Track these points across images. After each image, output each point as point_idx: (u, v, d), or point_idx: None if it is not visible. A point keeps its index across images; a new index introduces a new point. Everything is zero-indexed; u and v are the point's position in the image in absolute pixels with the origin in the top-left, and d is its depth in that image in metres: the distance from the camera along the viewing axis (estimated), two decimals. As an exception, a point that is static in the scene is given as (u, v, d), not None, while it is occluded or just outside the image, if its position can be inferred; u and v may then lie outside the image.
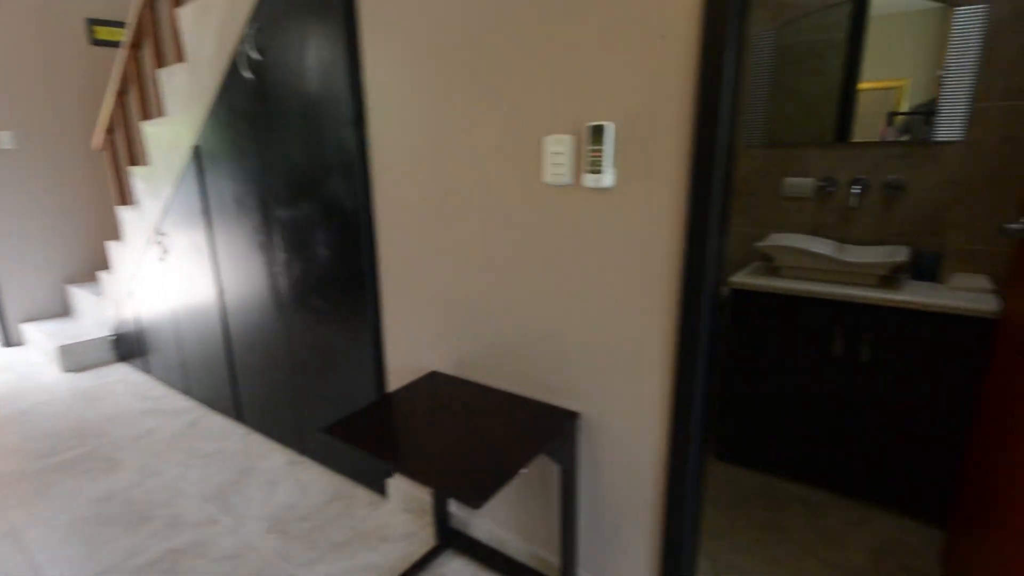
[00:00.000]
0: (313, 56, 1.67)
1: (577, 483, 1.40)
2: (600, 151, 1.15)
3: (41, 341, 3.44)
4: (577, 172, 1.22)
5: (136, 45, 2.67)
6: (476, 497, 1.01)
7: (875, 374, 1.75)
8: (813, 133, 2.01)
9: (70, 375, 3.23)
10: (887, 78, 1.83)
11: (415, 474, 1.09)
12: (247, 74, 1.89)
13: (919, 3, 1.75)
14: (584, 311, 1.29)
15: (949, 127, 1.78)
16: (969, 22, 1.70)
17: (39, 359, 3.47)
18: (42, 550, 1.76)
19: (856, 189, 1.91)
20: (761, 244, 1.94)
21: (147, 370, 3.18)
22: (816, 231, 2.10)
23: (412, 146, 1.51)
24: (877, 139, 1.91)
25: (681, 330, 1.15)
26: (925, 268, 1.85)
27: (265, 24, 1.78)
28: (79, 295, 3.67)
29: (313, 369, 2.06)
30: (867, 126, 1.91)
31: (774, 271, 2.00)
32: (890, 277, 1.87)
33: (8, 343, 3.70)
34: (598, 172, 1.16)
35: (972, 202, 1.73)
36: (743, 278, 1.94)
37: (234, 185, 2.12)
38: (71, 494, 2.06)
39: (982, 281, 1.71)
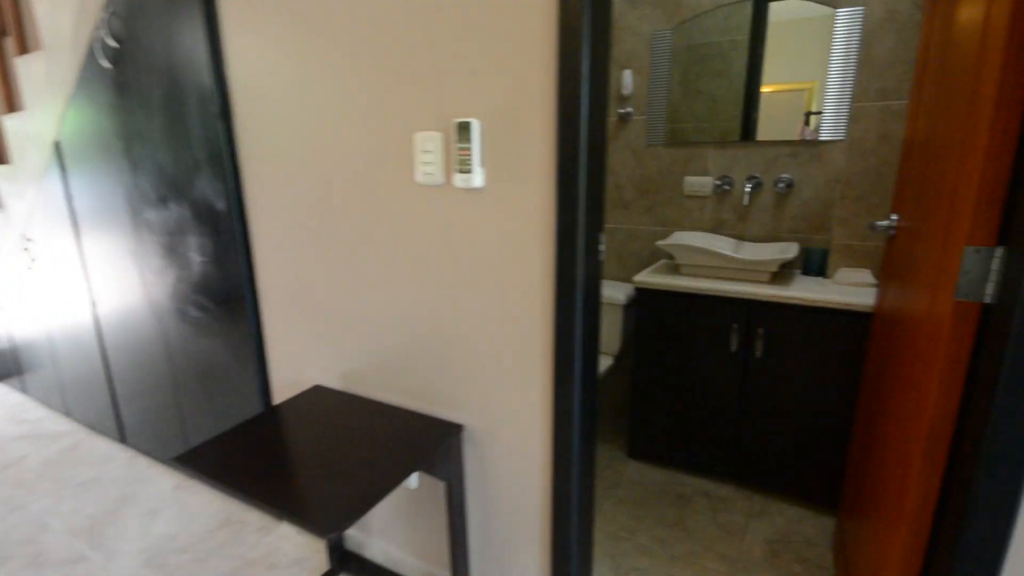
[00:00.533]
0: (173, 43, 1.51)
1: (465, 498, 1.34)
2: (469, 149, 1.09)
3: None
4: (448, 172, 1.15)
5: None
6: (328, 528, 0.92)
7: (769, 369, 1.78)
8: (717, 133, 2.03)
9: (-70, 400, 2.87)
10: (793, 80, 1.87)
11: (263, 503, 0.99)
12: (105, 63, 1.71)
13: (815, 8, 1.79)
14: (464, 318, 1.23)
15: (833, 127, 1.84)
16: (848, 25, 1.76)
17: None
18: None
19: (748, 187, 1.94)
20: (662, 243, 1.94)
21: (24, 390, 2.87)
22: (716, 229, 2.13)
23: (283, 143, 1.39)
24: (779, 139, 1.95)
25: (557, 334, 1.10)
26: (814, 263, 1.91)
27: (120, 8, 1.60)
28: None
29: (196, 385, 1.90)
30: (779, 127, 1.94)
31: (676, 269, 2.01)
32: (780, 273, 1.91)
33: None
34: (468, 172, 1.10)
35: (854, 199, 1.80)
36: (646, 277, 1.93)
37: (100, 185, 1.91)
38: (-91, 540, 1.80)
39: (865, 275, 1.77)
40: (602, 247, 1.12)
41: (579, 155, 0.98)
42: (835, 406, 1.71)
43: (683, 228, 2.19)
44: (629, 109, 2.18)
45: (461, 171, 1.11)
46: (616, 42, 2.15)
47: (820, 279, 1.87)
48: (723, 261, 1.85)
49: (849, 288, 1.74)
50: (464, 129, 1.08)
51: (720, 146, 2.06)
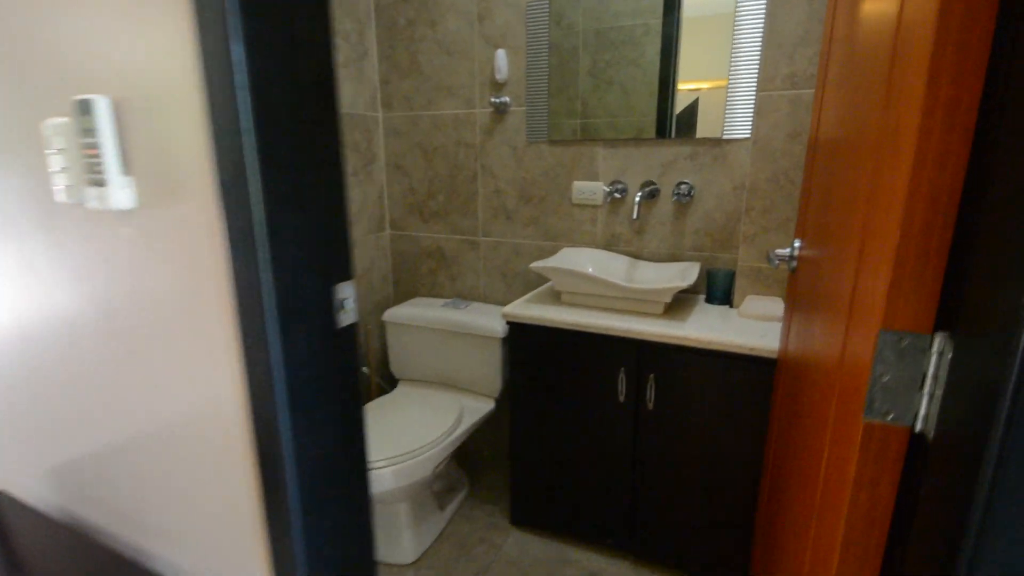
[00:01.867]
0: None
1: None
2: (97, 148, 0.64)
3: None
4: (77, 184, 0.71)
5: None
6: None
7: (664, 422, 1.42)
8: (625, 128, 1.64)
9: None
10: (709, 77, 1.50)
11: None
12: None
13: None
14: (146, 413, 0.79)
15: (737, 121, 1.50)
16: (753, -4, 1.41)
17: None
18: None
19: (638, 195, 1.58)
20: (536, 265, 1.55)
21: None
22: (609, 244, 1.76)
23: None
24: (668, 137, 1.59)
25: (263, 472, 0.68)
26: (718, 289, 1.56)
27: None
28: None
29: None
30: (699, 124, 1.57)
31: (558, 297, 1.63)
32: (677, 303, 1.56)
33: None
34: (101, 184, 0.66)
35: (761, 211, 1.45)
36: (517, 308, 1.54)
37: None
38: None
39: (777, 305, 1.43)
40: (346, 308, 0.70)
41: (244, 157, 0.56)
42: (740, 467, 1.36)
43: (573, 243, 1.81)
44: (505, 98, 1.78)
45: (92, 182, 0.66)
46: (486, 15, 1.74)
47: (725, 309, 1.52)
48: (606, 289, 1.48)
49: (756, 323, 1.39)
50: (85, 111, 0.64)
51: (610, 145, 1.68)
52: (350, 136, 1.87)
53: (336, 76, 0.63)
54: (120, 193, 0.65)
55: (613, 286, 1.45)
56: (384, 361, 2.12)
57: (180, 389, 0.74)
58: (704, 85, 1.52)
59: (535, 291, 1.73)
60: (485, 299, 2.01)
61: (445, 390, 1.93)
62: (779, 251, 0.97)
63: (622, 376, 1.43)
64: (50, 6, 0.67)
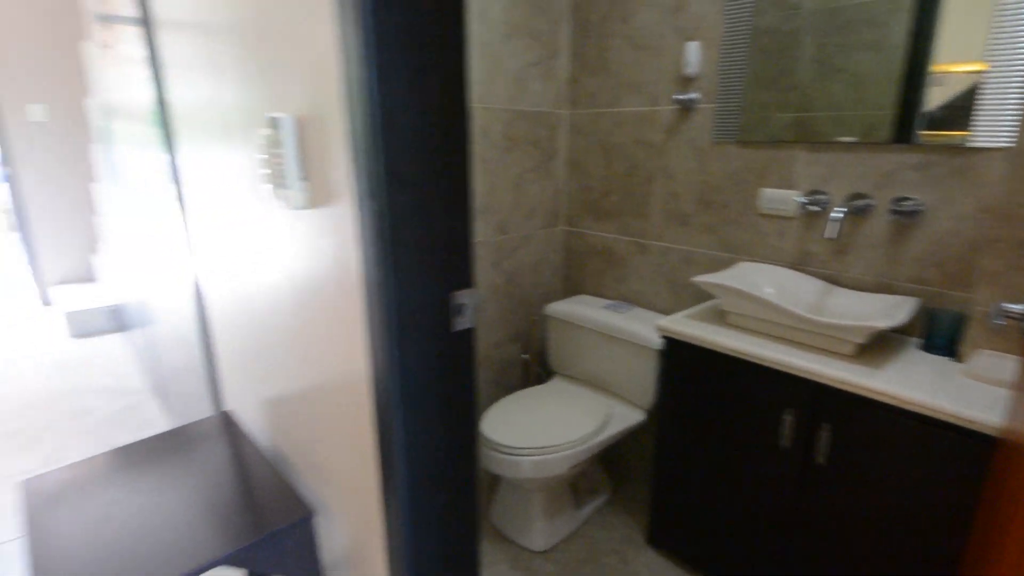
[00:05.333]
0: None
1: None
2: (282, 155, 0.78)
3: (64, 304, 3.65)
4: (274, 185, 0.86)
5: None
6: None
7: (836, 482, 1.20)
8: (850, 125, 1.40)
9: (72, 341, 3.38)
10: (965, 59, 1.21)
11: None
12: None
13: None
14: (308, 383, 0.94)
15: (991, 128, 1.15)
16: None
17: (58, 320, 3.68)
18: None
19: (842, 210, 1.32)
20: (700, 279, 1.42)
21: (132, 343, 3.24)
22: (800, 263, 1.53)
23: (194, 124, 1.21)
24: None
25: (380, 442, 0.76)
26: (940, 335, 1.24)
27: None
28: (98, 263, 3.85)
29: (172, 377, 1.88)
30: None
31: (724, 317, 1.47)
32: (874, 346, 1.28)
33: (45, 302, 3.99)
34: (286, 187, 0.79)
35: (1014, 244, 1.10)
36: (676, 323, 1.44)
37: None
38: (-29, 473, 2.07)
39: (1011, 368, 1.09)
40: (464, 314, 0.74)
41: (373, 175, 0.62)
42: (929, 556, 1.09)
43: (754, 257, 1.62)
44: (694, 95, 1.64)
45: (278, 184, 0.80)
46: (681, 6, 1.62)
47: (945, 362, 1.21)
48: (781, 317, 1.29)
49: (984, 387, 1.08)
50: (274, 127, 0.77)
51: (813, 148, 1.44)
52: (533, 132, 1.93)
53: (467, 99, 0.66)
54: (299, 195, 0.78)
55: (789, 315, 1.26)
56: (543, 351, 2.18)
57: (334, 359, 0.86)
58: (963, 68, 1.19)
59: (700, 306, 1.60)
60: (649, 306, 1.92)
61: (597, 391, 1.91)
62: (1012, 306, 0.73)
63: (788, 420, 1.25)
64: (263, 39, 0.82)
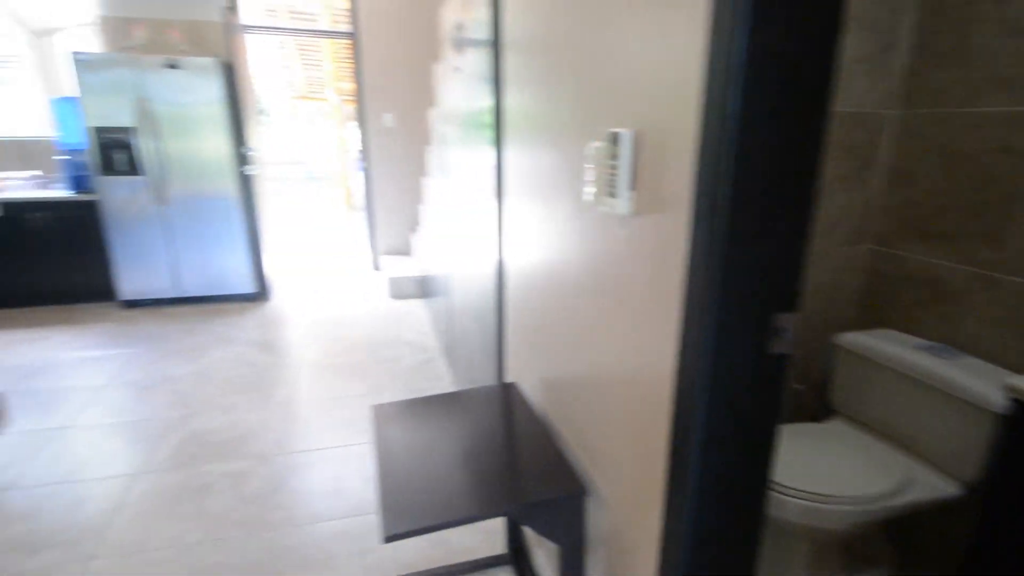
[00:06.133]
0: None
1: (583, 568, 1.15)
2: (616, 167, 0.85)
3: (388, 270, 4.67)
4: (599, 192, 0.93)
5: (443, 43, 3.21)
6: (385, 535, 0.96)
7: None
8: None
9: (391, 300, 4.30)
10: None
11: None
12: (457, 66, 2.07)
13: None
14: (601, 368, 1.01)
15: None
16: None
17: (382, 283, 4.72)
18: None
19: None
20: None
21: (429, 309, 3.97)
22: None
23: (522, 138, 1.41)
24: None
25: (673, 448, 0.78)
26: None
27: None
28: (414, 240, 4.79)
29: (466, 345, 2.22)
30: None
31: None
32: None
33: (375, 267, 5.15)
34: (613, 195, 0.87)
35: None
36: (1037, 384, 1.12)
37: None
38: (331, 388, 2.81)
39: None
40: (783, 338, 0.71)
41: (715, 195, 0.63)
42: None
43: None
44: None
45: (607, 193, 0.88)
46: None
47: None
48: None
49: None
50: (613, 141, 0.84)
51: None
52: (847, 136, 1.69)
53: (826, 118, 0.62)
54: (625, 203, 0.85)
55: None
56: (824, 385, 1.93)
57: (634, 357, 0.92)
58: None
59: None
60: (987, 356, 1.52)
61: (892, 445, 1.61)
62: None
63: None
64: (600, 63, 0.90)
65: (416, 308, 4.12)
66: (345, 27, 4.59)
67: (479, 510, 1.02)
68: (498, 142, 1.59)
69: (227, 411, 2.54)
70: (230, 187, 3.88)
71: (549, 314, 1.31)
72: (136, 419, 2.47)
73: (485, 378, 2.07)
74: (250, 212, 4.02)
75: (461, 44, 1.87)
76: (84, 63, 3.45)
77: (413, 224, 4.95)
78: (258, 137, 4.15)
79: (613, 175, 0.86)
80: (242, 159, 3.90)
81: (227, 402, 2.62)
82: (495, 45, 1.52)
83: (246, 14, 4.48)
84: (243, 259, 4.05)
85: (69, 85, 3.82)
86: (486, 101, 1.65)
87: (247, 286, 4.13)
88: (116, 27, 4.01)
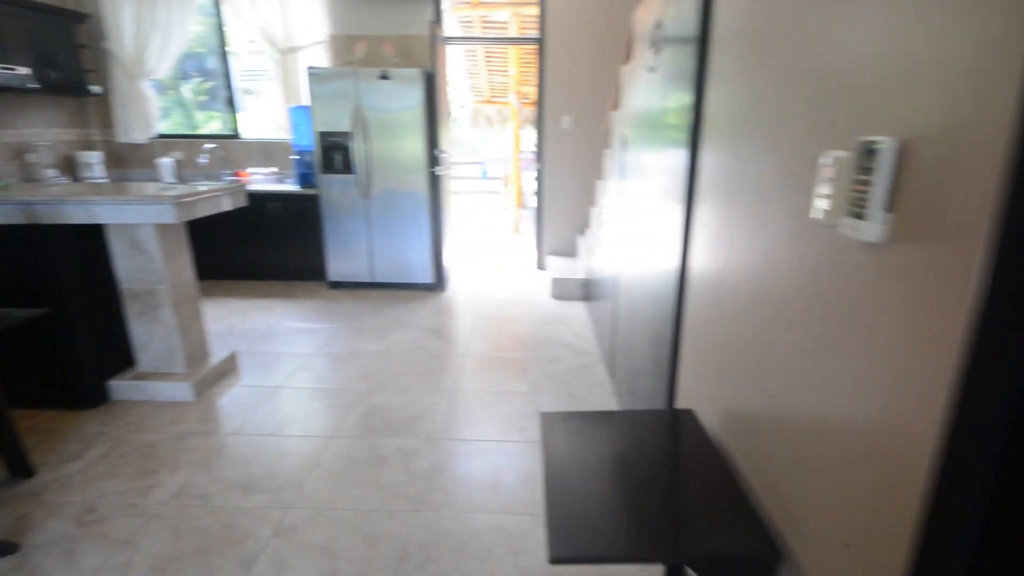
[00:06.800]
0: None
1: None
2: (868, 184, 0.70)
3: (551, 271, 4.74)
4: (836, 210, 0.78)
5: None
6: (551, 557, 0.93)
7: None
8: None
9: (552, 301, 4.35)
10: None
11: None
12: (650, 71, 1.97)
13: None
14: (817, 402, 0.85)
15: None
16: None
17: (545, 283, 4.80)
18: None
19: None
20: None
21: (591, 313, 3.93)
22: None
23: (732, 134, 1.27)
24: None
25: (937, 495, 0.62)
26: None
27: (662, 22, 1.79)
28: (580, 243, 4.79)
29: (640, 358, 2.11)
30: None
31: None
32: None
33: (539, 267, 5.26)
34: (860, 216, 0.72)
35: None
36: None
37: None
38: (494, 381, 2.91)
39: None
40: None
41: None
42: None
43: None
44: None
45: (851, 214, 0.73)
46: None
47: None
48: None
49: None
50: (868, 154, 0.69)
51: None
52: None
53: None
54: (876, 227, 0.69)
55: None
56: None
57: (868, 396, 0.76)
58: None
59: None
60: None
61: None
62: None
63: None
64: (850, 56, 0.74)
65: (577, 310, 4.10)
66: (532, 33, 4.73)
67: (649, 551, 0.94)
68: (694, 144, 1.46)
69: (403, 391, 2.77)
70: (421, 185, 4.24)
71: (742, 336, 1.16)
72: (332, 387, 2.82)
73: (650, 394, 1.96)
74: (436, 209, 4.36)
75: (659, 42, 1.77)
76: (316, 76, 4.04)
77: (580, 226, 4.93)
78: (447, 140, 4.48)
79: (862, 193, 0.71)
80: (433, 160, 4.24)
81: (403, 383, 2.86)
82: (701, 41, 1.40)
83: (447, 26, 4.87)
84: (426, 252, 4.42)
85: (304, 95, 4.52)
86: (683, 101, 1.53)
87: (426, 276, 4.49)
88: (342, 44, 4.63)
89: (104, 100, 4.73)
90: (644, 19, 2.15)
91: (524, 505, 1.92)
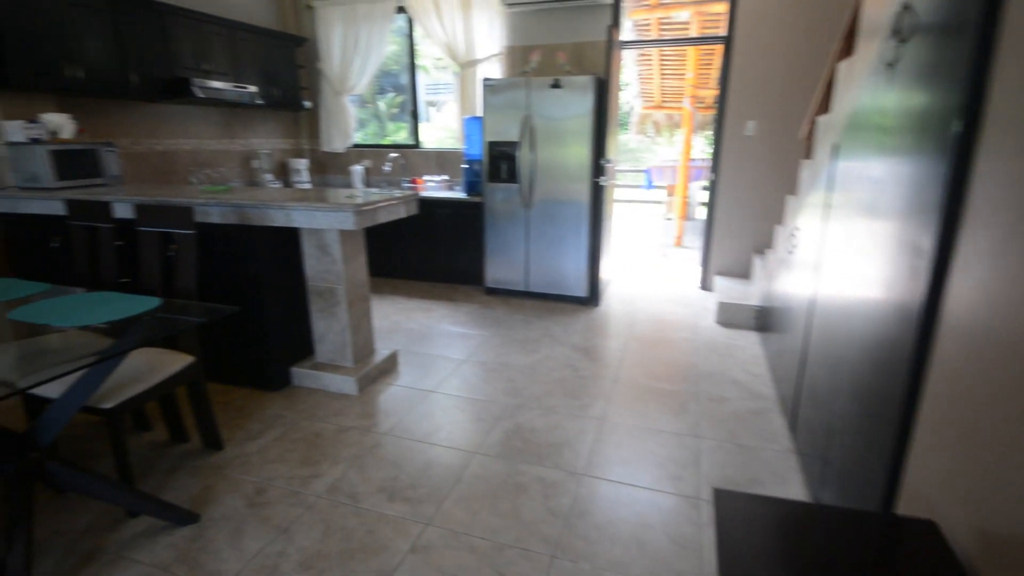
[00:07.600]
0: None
1: None
2: None
3: (719, 293, 4.27)
4: None
5: (846, 37, 2.61)
6: None
7: None
8: None
9: (717, 327, 3.90)
10: None
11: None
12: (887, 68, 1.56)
13: None
14: None
15: None
16: None
17: (710, 306, 4.33)
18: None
19: None
20: None
21: (766, 347, 3.42)
22: None
23: None
24: None
25: None
26: None
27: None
28: (757, 264, 4.24)
29: (853, 431, 1.69)
30: None
31: None
32: None
33: (703, 287, 4.79)
34: None
35: None
36: None
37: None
38: (647, 415, 2.65)
39: None
40: None
41: None
42: None
43: None
44: None
45: None
46: None
47: None
48: None
49: None
50: None
51: None
52: None
53: None
54: None
55: None
56: None
57: None
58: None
59: None
60: None
61: None
62: None
63: None
64: None
65: (749, 342, 3.60)
66: (716, 32, 4.30)
67: None
68: (961, 153, 1.09)
69: (548, 413, 2.64)
70: (583, 195, 4.10)
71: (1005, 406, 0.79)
72: (480, 398, 2.80)
73: (853, 469, 1.55)
74: (596, 220, 4.18)
75: (905, 30, 1.38)
76: (490, 87, 4.12)
77: (759, 245, 4.37)
78: (614, 148, 4.27)
79: None
80: (598, 169, 4.06)
81: (549, 403, 2.73)
82: (982, 26, 1.02)
83: (624, 31, 4.66)
84: (582, 265, 4.26)
85: (479, 106, 4.66)
86: (945, 101, 1.15)
87: (580, 289, 4.33)
88: (517, 54, 4.69)
89: (313, 113, 5.41)
90: (879, 4, 1.73)
91: (674, 575, 1.66)
